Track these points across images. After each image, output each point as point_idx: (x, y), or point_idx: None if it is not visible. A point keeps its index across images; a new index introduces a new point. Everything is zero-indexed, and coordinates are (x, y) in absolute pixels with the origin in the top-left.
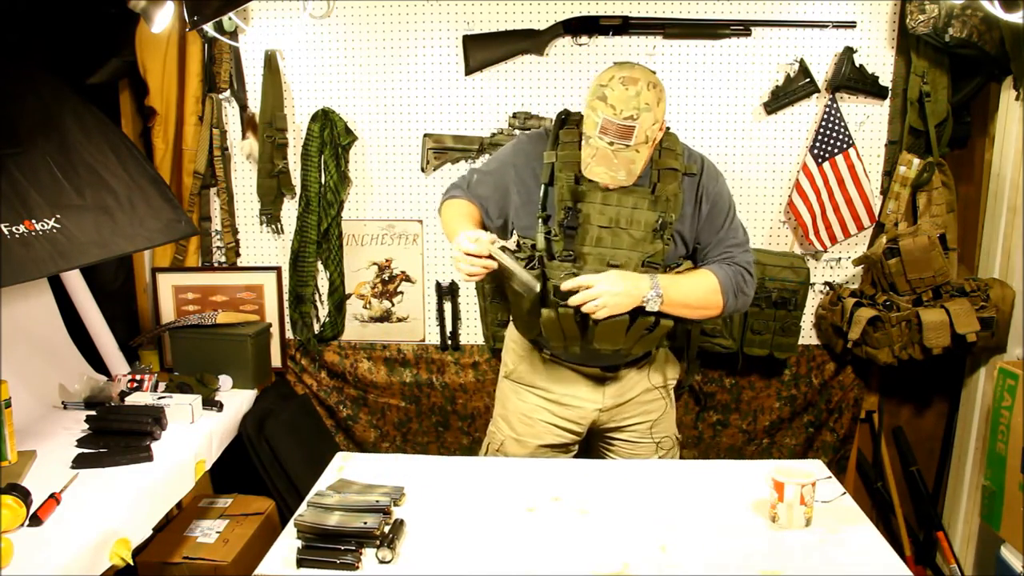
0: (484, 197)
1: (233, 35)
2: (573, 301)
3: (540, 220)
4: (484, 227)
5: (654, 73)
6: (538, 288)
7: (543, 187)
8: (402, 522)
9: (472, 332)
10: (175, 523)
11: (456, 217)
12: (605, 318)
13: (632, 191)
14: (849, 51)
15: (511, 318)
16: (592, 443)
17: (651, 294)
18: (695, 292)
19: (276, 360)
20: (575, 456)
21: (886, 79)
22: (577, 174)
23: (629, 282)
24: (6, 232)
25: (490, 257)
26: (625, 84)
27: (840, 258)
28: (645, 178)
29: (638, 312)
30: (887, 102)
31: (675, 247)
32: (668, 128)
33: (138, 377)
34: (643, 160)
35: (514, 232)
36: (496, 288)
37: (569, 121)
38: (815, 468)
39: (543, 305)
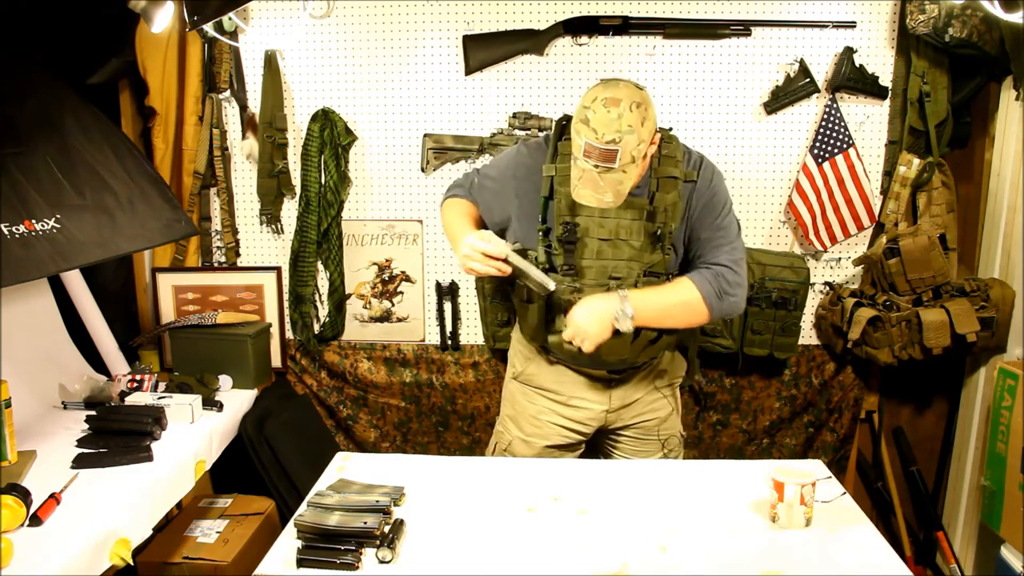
0: (484, 203)
1: (233, 35)
2: (565, 336)
3: (540, 234)
4: (485, 227)
5: (642, 89)
6: (552, 287)
7: (543, 200)
8: (402, 522)
9: (472, 332)
10: (175, 523)
11: (458, 216)
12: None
13: (630, 202)
14: (849, 51)
15: (517, 322)
16: (598, 441)
17: (622, 312)
18: (670, 301)
19: (276, 360)
20: (579, 455)
21: (886, 79)
22: None
23: (596, 308)
24: (6, 232)
25: (505, 260)
26: (607, 106)
27: (840, 258)
28: (644, 188)
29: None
30: (887, 102)
31: (675, 256)
32: (670, 130)
33: (138, 377)
34: (632, 179)
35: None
36: (496, 288)
37: (568, 130)
38: (815, 468)
39: (548, 332)
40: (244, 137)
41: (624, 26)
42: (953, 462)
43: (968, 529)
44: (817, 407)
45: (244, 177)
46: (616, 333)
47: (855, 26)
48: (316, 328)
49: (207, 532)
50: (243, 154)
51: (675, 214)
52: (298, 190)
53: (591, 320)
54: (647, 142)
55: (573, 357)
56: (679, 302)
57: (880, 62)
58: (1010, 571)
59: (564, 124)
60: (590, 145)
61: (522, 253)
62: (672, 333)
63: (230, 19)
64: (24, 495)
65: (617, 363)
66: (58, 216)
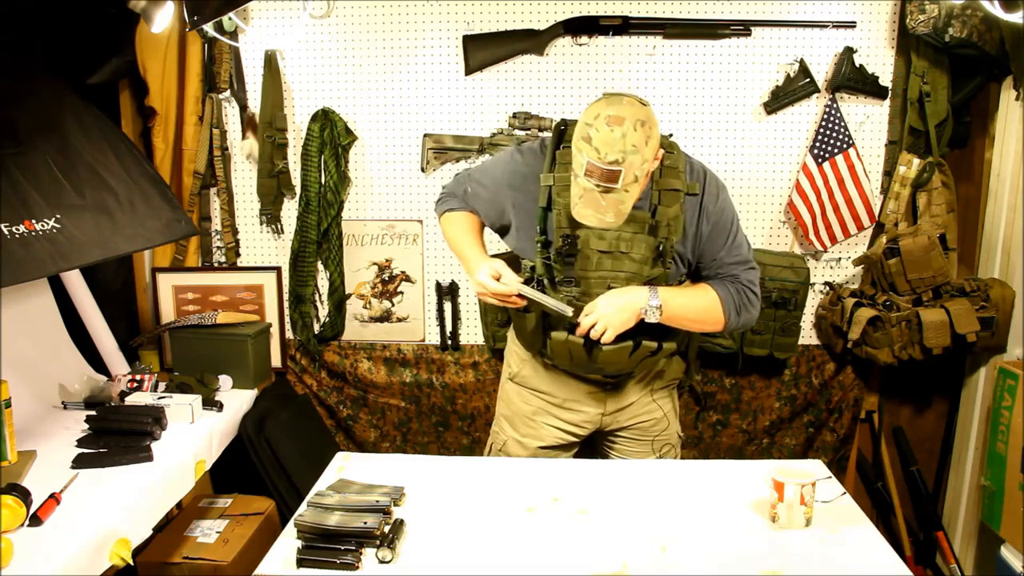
0: (480, 211)
1: (233, 35)
2: (580, 329)
3: (539, 245)
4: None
5: (646, 105)
6: (570, 313)
7: (541, 211)
8: (402, 522)
9: (472, 332)
10: (175, 523)
11: (461, 232)
12: (615, 340)
13: (632, 215)
14: (849, 51)
15: (513, 328)
16: (596, 442)
17: (650, 304)
18: (695, 305)
19: (276, 360)
20: (575, 455)
21: (886, 79)
22: None
23: (625, 296)
24: (6, 232)
25: (519, 295)
26: (610, 124)
27: (840, 258)
28: (645, 200)
29: (642, 330)
30: (887, 102)
31: (676, 268)
32: (671, 136)
33: (138, 377)
34: (634, 197)
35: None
36: None
37: (566, 136)
38: (815, 468)
39: (552, 328)
40: (244, 137)
41: (624, 26)
42: (953, 462)
43: (968, 529)
44: (817, 407)
45: (244, 177)
46: (631, 339)
47: (855, 26)
48: (316, 328)
49: (207, 532)
50: (243, 154)
51: (677, 227)
52: (298, 190)
53: (617, 308)
54: (651, 161)
55: (569, 363)
56: (702, 307)
57: (880, 62)
58: (1010, 571)
59: (562, 130)
60: (592, 164)
61: (533, 283)
62: (671, 339)
63: (230, 19)
64: (24, 495)
65: (614, 371)
66: (58, 216)
